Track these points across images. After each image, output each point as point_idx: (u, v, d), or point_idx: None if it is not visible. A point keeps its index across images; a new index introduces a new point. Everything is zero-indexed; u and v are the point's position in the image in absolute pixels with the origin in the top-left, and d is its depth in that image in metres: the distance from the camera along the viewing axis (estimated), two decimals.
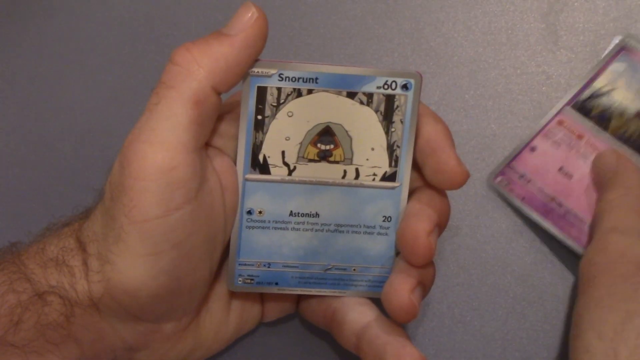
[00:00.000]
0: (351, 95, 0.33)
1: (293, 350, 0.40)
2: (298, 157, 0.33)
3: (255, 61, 0.32)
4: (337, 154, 0.33)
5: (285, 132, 0.33)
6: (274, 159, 0.33)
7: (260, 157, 0.33)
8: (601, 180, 0.40)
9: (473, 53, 0.46)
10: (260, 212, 0.34)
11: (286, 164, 0.33)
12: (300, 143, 0.33)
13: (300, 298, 0.38)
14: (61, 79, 0.47)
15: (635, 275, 0.33)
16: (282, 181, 0.34)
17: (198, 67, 0.31)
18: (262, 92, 0.32)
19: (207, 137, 0.32)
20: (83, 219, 0.34)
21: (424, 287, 0.34)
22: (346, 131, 0.33)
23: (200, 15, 0.48)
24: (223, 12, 0.48)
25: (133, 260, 0.30)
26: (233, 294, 0.37)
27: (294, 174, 0.33)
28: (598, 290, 0.33)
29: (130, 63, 0.47)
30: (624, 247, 0.35)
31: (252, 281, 0.35)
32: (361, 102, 0.33)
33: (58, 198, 0.44)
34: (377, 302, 0.36)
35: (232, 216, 0.34)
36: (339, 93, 0.32)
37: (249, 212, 0.34)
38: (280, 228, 0.34)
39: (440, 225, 0.34)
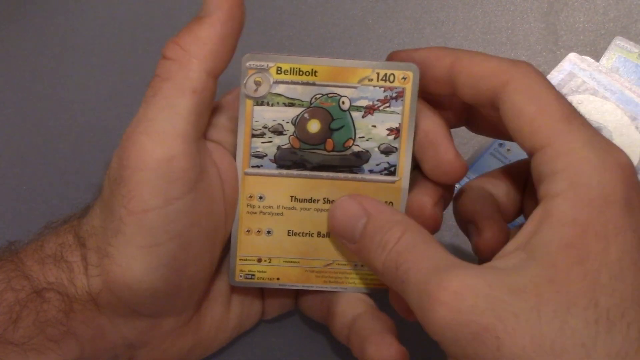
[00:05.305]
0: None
1: (294, 347, 0.40)
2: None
3: (239, 34, 0.32)
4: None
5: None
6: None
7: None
8: None
9: None
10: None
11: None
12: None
13: (299, 293, 0.38)
14: (61, 78, 0.47)
15: None
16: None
17: (189, 57, 0.31)
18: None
19: (205, 127, 0.32)
20: (82, 215, 0.33)
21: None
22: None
23: None
24: None
25: (132, 253, 0.30)
26: (234, 290, 0.36)
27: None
28: None
29: (130, 63, 0.47)
30: None
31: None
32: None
33: (58, 198, 0.44)
34: (372, 294, 0.36)
35: (233, 210, 0.34)
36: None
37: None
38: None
39: (446, 199, 0.35)
